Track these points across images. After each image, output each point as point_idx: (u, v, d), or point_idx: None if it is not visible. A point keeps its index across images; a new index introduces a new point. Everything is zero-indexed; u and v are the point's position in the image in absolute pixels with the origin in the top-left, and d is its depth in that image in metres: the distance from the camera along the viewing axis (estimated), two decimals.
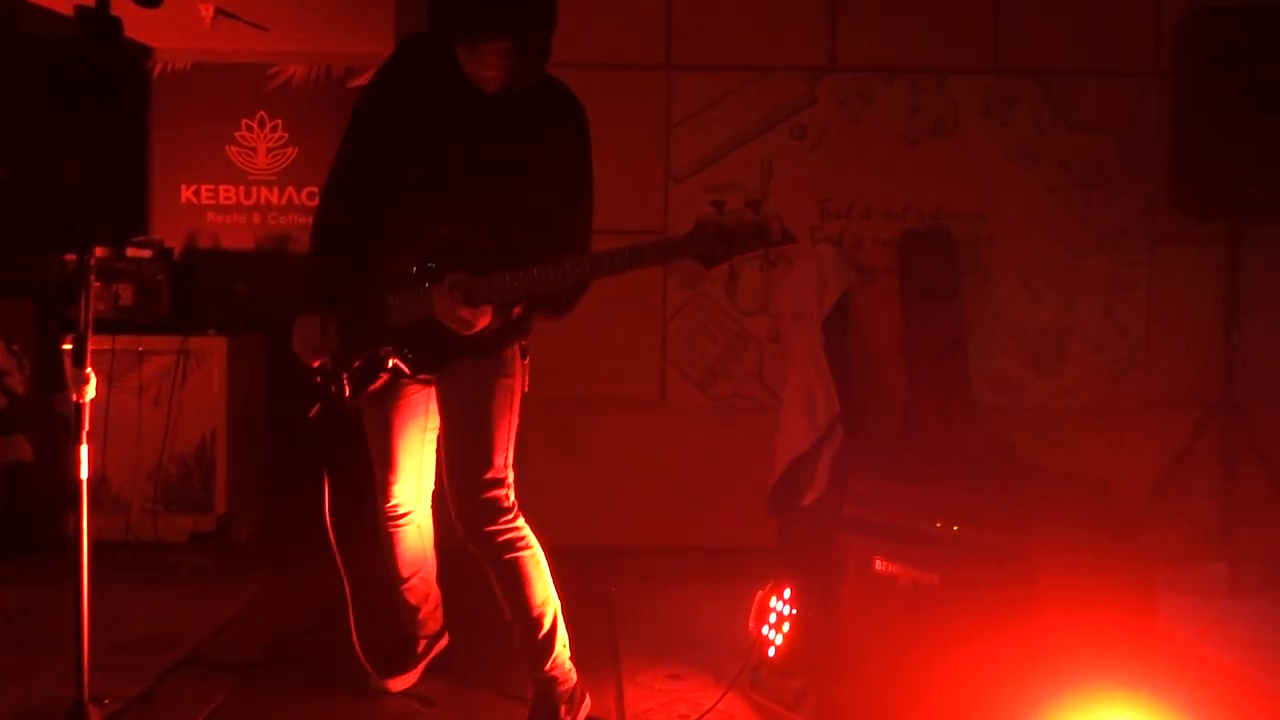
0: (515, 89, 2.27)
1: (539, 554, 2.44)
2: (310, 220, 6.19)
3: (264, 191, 5.78)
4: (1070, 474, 2.23)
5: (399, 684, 2.69)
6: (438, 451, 2.50)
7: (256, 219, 5.77)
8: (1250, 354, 3.91)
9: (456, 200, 2.32)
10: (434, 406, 2.48)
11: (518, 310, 2.27)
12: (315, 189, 5.76)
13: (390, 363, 2.37)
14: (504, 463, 2.38)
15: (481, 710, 2.64)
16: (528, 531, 2.42)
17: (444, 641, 2.83)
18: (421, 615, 2.75)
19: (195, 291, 4.47)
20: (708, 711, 2.58)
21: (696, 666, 2.91)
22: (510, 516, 2.38)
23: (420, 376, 2.41)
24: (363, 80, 5.75)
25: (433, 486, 2.62)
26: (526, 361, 2.46)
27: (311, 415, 2.41)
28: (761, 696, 2.69)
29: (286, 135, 5.77)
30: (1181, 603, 3.22)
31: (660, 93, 4.19)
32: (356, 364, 2.40)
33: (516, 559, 2.38)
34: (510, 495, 2.39)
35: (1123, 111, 4.24)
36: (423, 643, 2.77)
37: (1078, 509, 2.02)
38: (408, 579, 2.69)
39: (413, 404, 2.50)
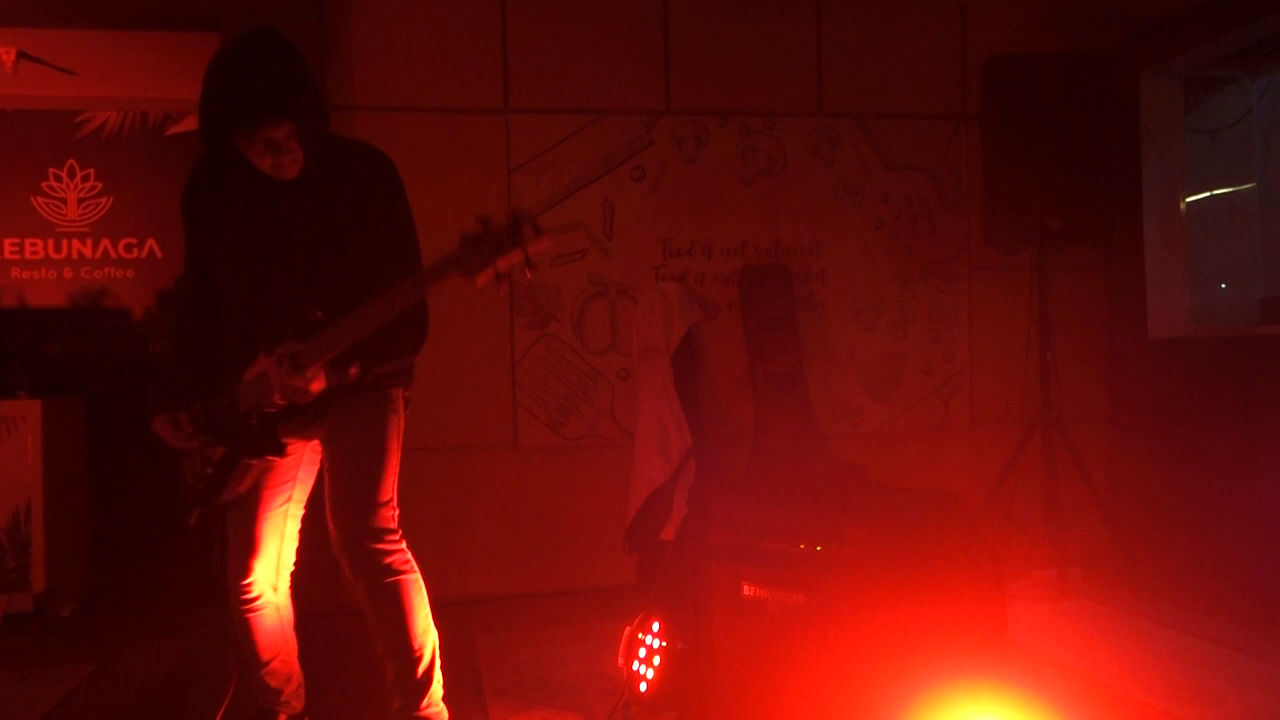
0: (308, 166, 2.28)
1: (420, 582, 2.40)
2: (128, 273, 5.84)
3: (75, 244, 5.42)
4: (923, 488, 2.35)
5: None
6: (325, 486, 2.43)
7: (68, 274, 5.40)
8: (1063, 371, 4.22)
9: (282, 290, 2.32)
10: (301, 474, 2.48)
11: (354, 370, 2.28)
12: (133, 240, 5.46)
13: (258, 462, 2.37)
14: (389, 486, 2.38)
15: None
16: (410, 557, 2.40)
17: None
18: (284, 697, 2.60)
19: (2, 353, 4.14)
20: None
21: (566, 709, 2.87)
22: (394, 537, 2.37)
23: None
24: (182, 127, 5.53)
25: (292, 565, 2.55)
26: (406, 411, 2.49)
27: (191, 524, 2.33)
28: None
29: (100, 185, 5.44)
30: (1017, 608, 3.41)
31: (499, 136, 4.20)
32: (214, 467, 2.37)
33: (398, 583, 2.34)
34: (395, 517, 2.38)
35: (937, 151, 4.54)
36: (282, 717, 2.61)
37: (932, 522, 2.12)
38: (268, 662, 2.54)
39: (279, 477, 2.46)
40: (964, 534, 2.09)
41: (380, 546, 2.33)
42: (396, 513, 2.40)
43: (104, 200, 5.43)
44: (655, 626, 2.76)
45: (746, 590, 2.20)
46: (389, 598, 2.34)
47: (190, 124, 5.49)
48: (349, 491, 2.34)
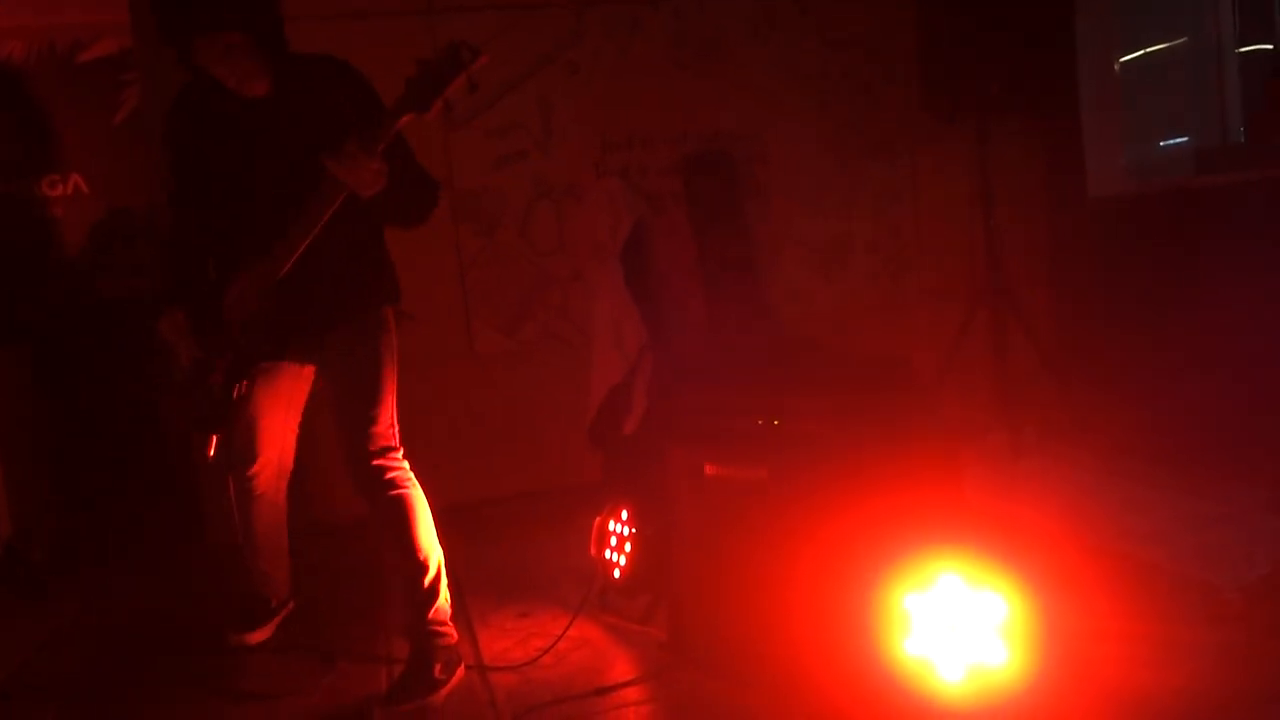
0: (276, 83, 2.36)
1: (422, 497, 2.52)
2: (56, 212, 5.65)
3: None
4: (872, 355, 2.39)
5: (257, 636, 2.79)
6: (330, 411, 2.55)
7: None
8: (1008, 239, 4.25)
9: (269, 211, 2.37)
10: (301, 387, 2.64)
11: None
12: (57, 176, 5.28)
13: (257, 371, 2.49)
14: (388, 405, 2.48)
15: (349, 674, 2.62)
16: (411, 475, 2.51)
17: (291, 605, 2.92)
18: (274, 579, 2.84)
19: None
20: (560, 637, 2.62)
21: (543, 601, 2.95)
22: (396, 454, 2.49)
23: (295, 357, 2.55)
24: (93, 53, 5.29)
25: (289, 471, 2.75)
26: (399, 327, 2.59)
27: (211, 454, 2.43)
28: (612, 617, 2.76)
29: (14, 121, 5.22)
30: (970, 470, 3.51)
31: (425, 38, 4.07)
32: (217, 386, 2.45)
33: (401, 496, 2.46)
34: (395, 436, 2.49)
35: (875, 24, 4.47)
36: (275, 600, 2.86)
37: (884, 388, 2.17)
38: (264, 548, 2.79)
39: (281, 387, 2.61)
40: (916, 398, 2.14)
41: (381, 463, 2.45)
42: (396, 430, 2.51)
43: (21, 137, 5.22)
44: (624, 515, 2.82)
45: (709, 469, 2.25)
46: (393, 513, 2.46)
47: (102, 49, 5.27)
48: (350, 412, 2.45)
